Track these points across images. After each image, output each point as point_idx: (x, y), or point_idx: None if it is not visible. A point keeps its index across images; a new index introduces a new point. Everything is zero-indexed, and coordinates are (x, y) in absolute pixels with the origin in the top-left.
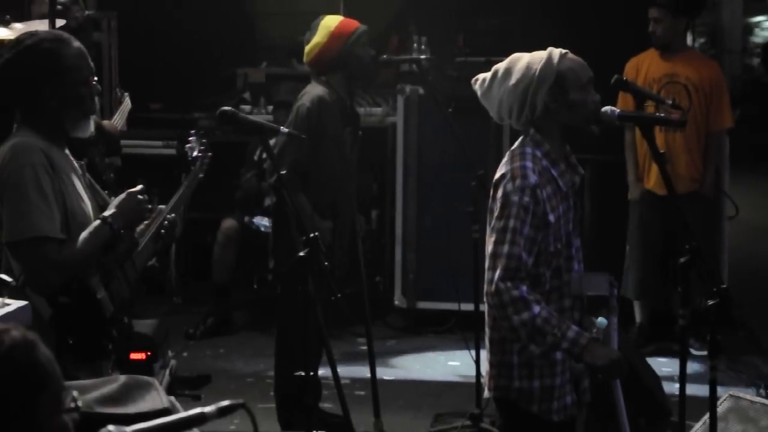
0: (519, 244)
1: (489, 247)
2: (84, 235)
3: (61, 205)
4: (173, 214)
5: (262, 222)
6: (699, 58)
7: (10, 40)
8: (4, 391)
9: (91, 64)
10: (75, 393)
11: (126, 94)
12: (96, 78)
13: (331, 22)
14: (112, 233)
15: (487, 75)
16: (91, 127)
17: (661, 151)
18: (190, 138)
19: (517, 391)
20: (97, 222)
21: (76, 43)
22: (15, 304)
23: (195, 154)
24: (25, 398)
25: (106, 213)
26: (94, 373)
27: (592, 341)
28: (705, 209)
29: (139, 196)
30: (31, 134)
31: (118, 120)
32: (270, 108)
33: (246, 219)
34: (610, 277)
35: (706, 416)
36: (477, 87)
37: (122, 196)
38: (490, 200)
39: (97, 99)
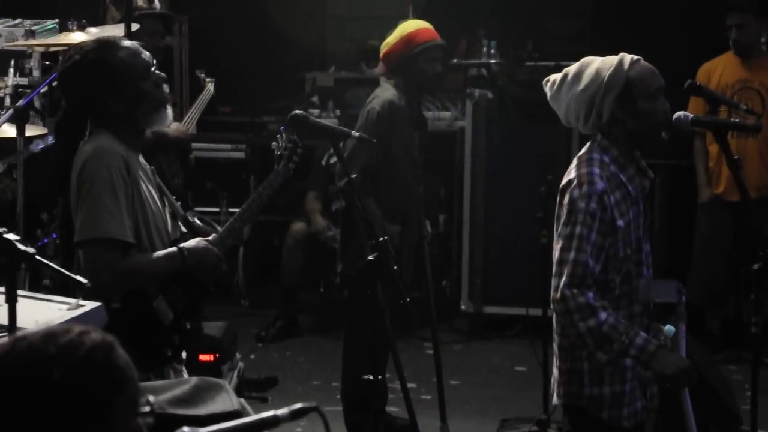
0: (585, 251)
1: (555, 254)
2: (157, 254)
3: (132, 211)
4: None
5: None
6: None
7: (62, 56)
8: (82, 393)
9: (146, 55)
10: (151, 397)
11: (210, 80)
12: (155, 67)
13: (408, 26)
14: (183, 266)
15: (558, 77)
16: (170, 116)
17: (735, 157)
18: (278, 134)
19: (588, 398)
20: (173, 249)
21: (125, 43)
22: (89, 305)
23: (280, 152)
24: (102, 400)
25: (184, 245)
26: (159, 376)
27: (660, 348)
28: None
29: (217, 251)
30: (109, 137)
31: (196, 110)
32: (338, 112)
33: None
34: (678, 284)
35: None
36: (547, 88)
37: (201, 244)
38: (557, 206)
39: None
